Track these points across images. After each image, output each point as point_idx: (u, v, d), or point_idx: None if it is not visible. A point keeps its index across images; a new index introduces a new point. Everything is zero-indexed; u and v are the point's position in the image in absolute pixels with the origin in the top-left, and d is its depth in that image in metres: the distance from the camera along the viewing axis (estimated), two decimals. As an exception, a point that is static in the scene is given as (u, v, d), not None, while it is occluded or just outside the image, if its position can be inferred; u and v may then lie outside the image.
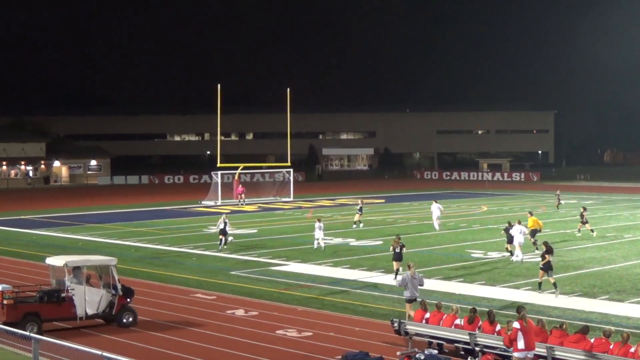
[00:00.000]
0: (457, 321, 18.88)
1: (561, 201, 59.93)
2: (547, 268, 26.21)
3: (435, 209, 46.26)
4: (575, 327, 18.58)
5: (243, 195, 65.13)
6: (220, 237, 38.38)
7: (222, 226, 38.73)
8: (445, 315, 19.22)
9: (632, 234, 42.66)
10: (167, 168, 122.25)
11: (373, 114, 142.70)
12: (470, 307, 19.97)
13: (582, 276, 29.45)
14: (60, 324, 22.14)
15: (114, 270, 22.59)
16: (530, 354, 16.73)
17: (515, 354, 16.76)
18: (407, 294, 21.94)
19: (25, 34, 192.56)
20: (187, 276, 30.53)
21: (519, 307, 17.58)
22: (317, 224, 37.92)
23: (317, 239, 37.41)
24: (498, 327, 18.17)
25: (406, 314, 21.84)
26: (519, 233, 34.08)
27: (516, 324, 16.83)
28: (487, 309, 19.80)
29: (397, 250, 28.89)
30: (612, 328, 18.14)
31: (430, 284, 28.09)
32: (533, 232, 36.79)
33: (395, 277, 27.80)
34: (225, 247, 38.15)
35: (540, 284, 26.68)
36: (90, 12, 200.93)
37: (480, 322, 18.54)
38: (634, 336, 18.95)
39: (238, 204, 63.47)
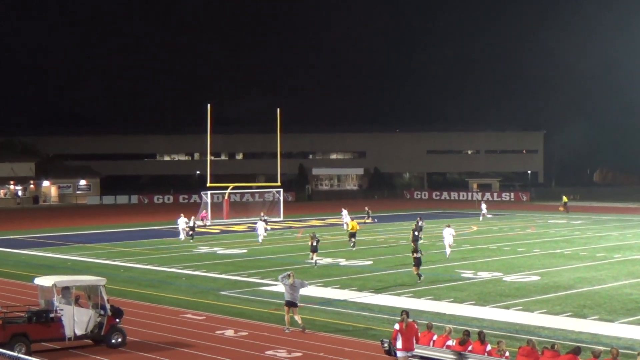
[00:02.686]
0: (449, 342, 18.82)
1: (371, 217, 64.23)
2: (417, 264, 33.00)
3: (345, 214, 57.95)
4: (566, 348, 18.55)
5: (205, 220, 63.53)
6: (191, 232, 51.87)
7: (191, 224, 52.27)
8: (437, 336, 19.15)
9: (621, 254, 42.74)
10: (157, 188, 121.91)
11: (363, 134, 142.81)
12: (463, 328, 19.90)
13: (572, 296, 29.47)
14: (49, 344, 22.00)
15: (103, 290, 22.49)
16: (409, 354, 18.44)
17: (397, 354, 18.60)
18: (286, 297, 24.48)
19: (14, 54, 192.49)
20: (177, 296, 30.42)
21: (403, 311, 19.07)
22: (259, 222, 51.51)
23: (260, 235, 49.71)
24: (489, 347, 18.12)
25: (285, 316, 24.28)
26: (449, 235, 41.06)
27: (396, 326, 18.68)
28: (477, 329, 19.76)
29: (314, 244, 38.40)
30: (602, 348, 18.12)
31: (420, 304, 28.10)
32: (352, 234, 46.17)
33: (315, 263, 38.24)
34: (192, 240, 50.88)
35: (418, 275, 32.92)
36: (80, 31, 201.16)
37: (471, 344, 18.48)
38: (624, 357, 18.95)
39: (202, 226, 61.43)
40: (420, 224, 48.56)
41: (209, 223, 63.86)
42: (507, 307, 27.42)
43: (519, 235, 54.08)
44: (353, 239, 46.21)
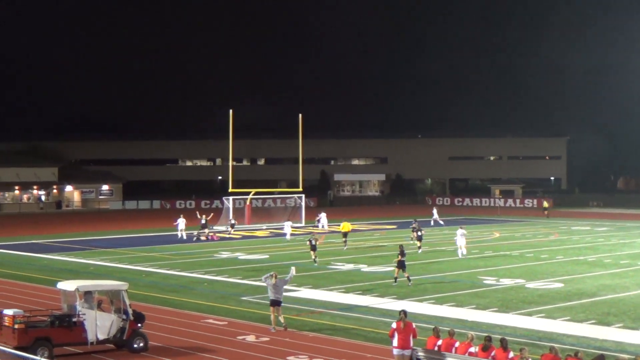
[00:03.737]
0: (472, 349, 18.68)
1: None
2: (401, 266, 33.66)
3: (323, 217, 64.75)
4: (590, 356, 18.39)
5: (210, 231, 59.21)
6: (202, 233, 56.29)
7: (203, 221, 56.42)
8: (459, 343, 19.02)
9: (646, 261, 42.36)
10: (179, 193, 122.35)
11: (385, 140, 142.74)
12: (485, 335, 19.74)
13: (597, 304, 29.23)
14: (71, 348, 22.08)
15: (125, 295, 22.53)
16: (406, 352, 19.02)
17: (393, 351, 19.31)
18: (270, 297, 25.41)
19: (38, 60, 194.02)
20: (198, 301, 30.44)
21: (401, 311, 19.77)
22: (287, 222, 57.45)
23: (287, 234, 55.05)
24: (511, 355, 17.98)
25: (271, 315, 25.23)
26: (461, 236, 44.13)
27: (394, 324, 19.32)
28: (500, 337, 19.61)
29: (313, 243, 41.91)
30: (626, 356, 17.94)
31: (443, 311, 27.97)
32: (345, 234, 49.93)
33: (314, 260, 41.51)
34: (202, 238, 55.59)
35: (395, 278, 33.84)
36: (103, 38, 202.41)
37: (494, 350, 18.35)
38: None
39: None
40: (415, 225, 50.35)
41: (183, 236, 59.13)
42: (529, 314, 27.23)
43: (542, 242, 53.77)
44: (345, 239, 49.84)
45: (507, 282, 34.75)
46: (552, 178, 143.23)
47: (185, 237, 56.69)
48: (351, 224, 53.63)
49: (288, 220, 61.00)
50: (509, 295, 31.26)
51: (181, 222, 57.68)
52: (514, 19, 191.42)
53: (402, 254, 34.05)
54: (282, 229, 58.22)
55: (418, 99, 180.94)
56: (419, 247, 46.67)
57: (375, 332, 24.62)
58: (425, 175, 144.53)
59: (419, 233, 47.55)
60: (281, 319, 25.10)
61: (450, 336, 19.36)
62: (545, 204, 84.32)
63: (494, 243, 53.35)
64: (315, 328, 25.21)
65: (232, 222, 62.45)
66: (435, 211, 71.83)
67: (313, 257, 41.86)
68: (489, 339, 18.63)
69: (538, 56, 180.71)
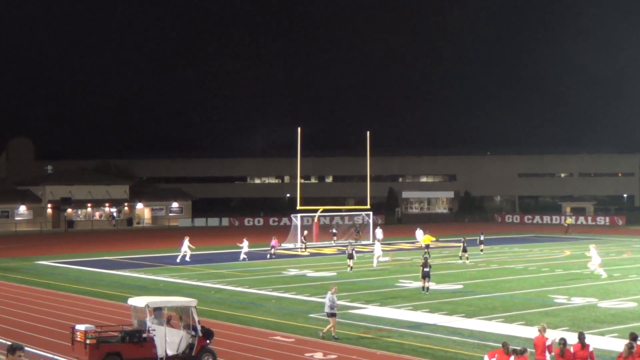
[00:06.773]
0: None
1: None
2: (425, 276, 36.34)
3: (379, 232, 63.62)
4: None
5: (275, 248, 57.70)
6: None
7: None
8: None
9: None
10: (247, 210, 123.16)
11: (453, 157, 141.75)
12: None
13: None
14: (141, 364, 22.33)
15: (194, 311, 22.74)
16: None
17: None
18: (327, 309, 26.82)
19: (109, 80, 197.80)
20: (266, 318, 30.55)
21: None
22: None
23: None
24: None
25: (332, 327, 26.41)
26: (596, 255, 43.52)
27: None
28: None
29: (350, 252, 46.01)
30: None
31: (512, 329, 27.59)
32: (427, 246, 54.20)
33: (350, 269, 45.58)
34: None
35: (423, 287, 36.46)
36: (173, 58, 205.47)
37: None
38: None
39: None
40: (482, 238, 57.22)
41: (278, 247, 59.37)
42: (602, 334, 26.70)
43: (615, 261, 52.70)
44: (427, 250, 53.18)
45: (578, 300, 34.15)
46: (625, 195, 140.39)
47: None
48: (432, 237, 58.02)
49: (347, 238, 66.88)
50: (580, 314, 30.72)
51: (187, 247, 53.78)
52: (589, 33, 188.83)
53: (425, 265, 36.64)
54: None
55: (487, 115, 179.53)
56: (462, 258, 51.23)
57: (444, 350, 24.39)
58: (494, 192, 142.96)
59: (465, 244, 51.99)
60: (332, 330, 26.38)
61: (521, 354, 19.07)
62: (569, 220, 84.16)
63: (565, 261, 52.49)
64: (383, 346, 25.08)
65: (334, 231, 68.09)
66: (379, 231, 64.45)
67: (349, 265, 45.82)
68: (564, 343, 18.63)
69: (611, 72, 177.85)
